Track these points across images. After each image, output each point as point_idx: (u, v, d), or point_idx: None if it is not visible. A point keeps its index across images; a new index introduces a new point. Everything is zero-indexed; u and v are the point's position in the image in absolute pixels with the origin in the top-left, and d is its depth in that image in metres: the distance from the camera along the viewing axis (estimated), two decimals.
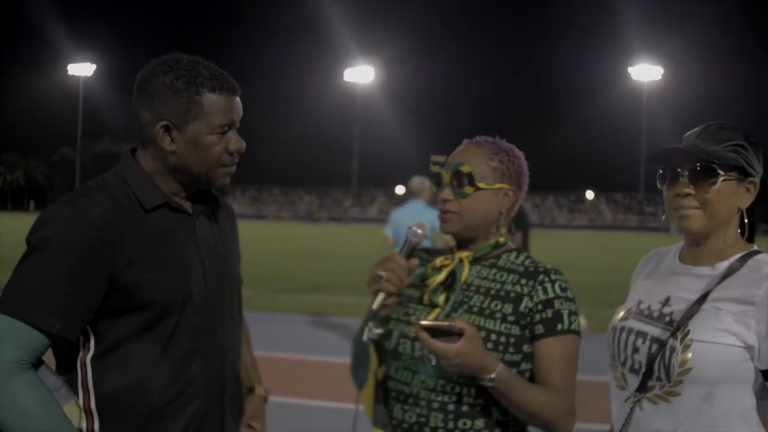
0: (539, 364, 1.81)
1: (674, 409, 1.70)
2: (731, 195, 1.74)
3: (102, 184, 1.79)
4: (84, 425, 1.72)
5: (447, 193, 1.90)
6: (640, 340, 1.77)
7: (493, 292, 1.86)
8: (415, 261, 1.90)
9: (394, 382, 1.88)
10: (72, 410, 1.69)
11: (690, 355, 1.67)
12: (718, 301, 1.70)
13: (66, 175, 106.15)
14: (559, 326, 1.81)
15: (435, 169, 1.94)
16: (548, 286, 1.84)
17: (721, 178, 1.72)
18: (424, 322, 1.71)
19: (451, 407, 1.79)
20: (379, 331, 1.85)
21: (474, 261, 1.92)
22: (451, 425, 1.79)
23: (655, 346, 1.73)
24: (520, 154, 1.95)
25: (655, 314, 1.79)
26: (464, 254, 1.92)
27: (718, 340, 1.66)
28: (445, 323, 1.70)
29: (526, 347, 1.81)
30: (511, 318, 1.81)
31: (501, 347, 1.79)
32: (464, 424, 1.79)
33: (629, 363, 1.78)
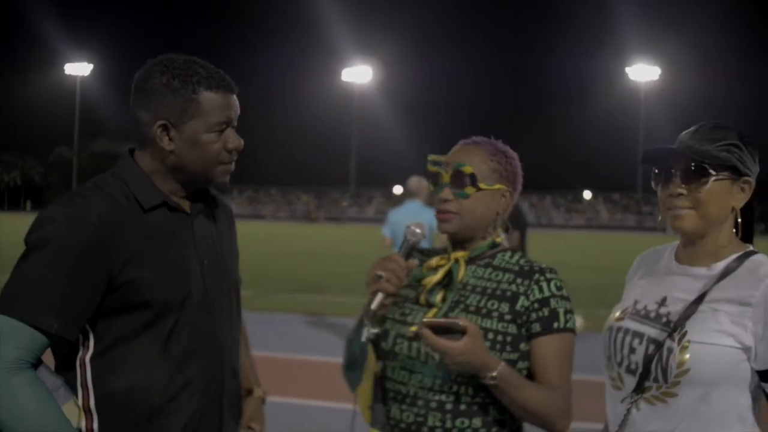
0: (536, 362, 1.82)
1: (671, 410, 1.70)
2: (724, 195, 1.74)
3: (100, 185, 1.80)
4: (83, 424, 1.73)
5: (447, 192, 1.89)
6: (636, 341, 1.77)
7: (489, 291, 1.86)
8: (414, 261, 1.90)
9: (390, 382, 1.88)
10: (71, 410, 1.70)
11: (687, 356, 1.67)
12: (715, 302, 1.70)
13: (63, 175, 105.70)
14: (556, 324, 1.82)
15: (433, 168, 1.94)
16: (544, 284, 1.85)
17: (713, 178, 1.72)
18: (427, 320, 1.71)
19: (448, 406, 1.80)
20: (375, 331, 1.86)
21: (469, 261, 1.92)
22: (449, 424, 1.79)
23: (652, 347, 1.73)
24: (515, 155, 1.96)
25: (652, 314, 1.78)
26: (460, 254, 1.92)
27: (715, 342, 1.66)
28: (450, 320, 1.70)
29: (522, 346, 1.82)
30: (507, 317, 1.82)
31: (498, 346, 1.79)
32: (462, 423, 1.79)
33: (625, 363, 1.78)
